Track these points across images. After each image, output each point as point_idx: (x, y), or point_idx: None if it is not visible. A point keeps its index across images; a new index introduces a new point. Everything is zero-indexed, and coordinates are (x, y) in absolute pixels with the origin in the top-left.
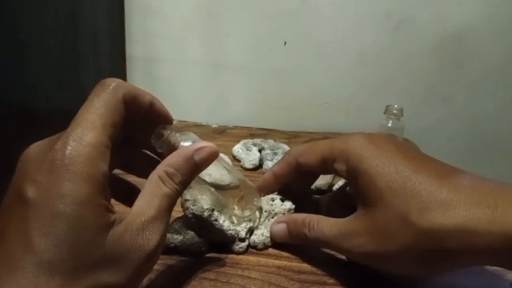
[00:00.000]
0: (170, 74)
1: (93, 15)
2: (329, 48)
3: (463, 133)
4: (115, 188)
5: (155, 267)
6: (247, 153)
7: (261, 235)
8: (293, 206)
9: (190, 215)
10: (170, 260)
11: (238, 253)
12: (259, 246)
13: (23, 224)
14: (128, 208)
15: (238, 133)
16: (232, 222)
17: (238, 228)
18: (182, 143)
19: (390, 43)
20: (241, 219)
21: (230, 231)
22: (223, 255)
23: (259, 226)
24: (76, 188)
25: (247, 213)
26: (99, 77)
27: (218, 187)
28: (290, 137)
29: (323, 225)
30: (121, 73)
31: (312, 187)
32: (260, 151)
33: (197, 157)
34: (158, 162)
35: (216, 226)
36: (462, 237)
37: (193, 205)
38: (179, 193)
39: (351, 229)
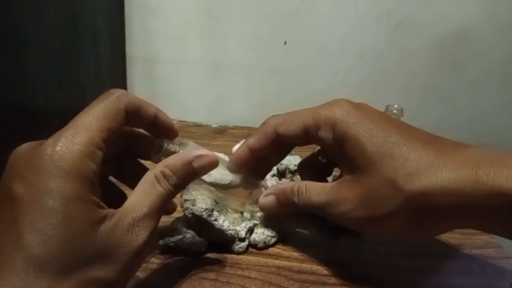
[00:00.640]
0: (170, 74)
1: (93, 15)
2: (329, 48)
3: (463, 133)
4: (105, 193)
5: (155, 267)
6: None
7: (261, 233)
8: None
9: (189, 215)
10: (170, 260)
11: (238, 253)
12: (260, 245)
13: (13, 221)
14: None
15: (238, 133)
16: (240, 217)
17: (238, 228)
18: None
19: (390, 43)
20: (254, 212)
21: (230, 231)
22: (223, 255)
23: (260, 225)
24: (65, 184)
25: (253, 212)
26: (99, 77)
27: (218, 186)
28: None
29: (310, 191)
30: (121, 73)
31: None
32: None
33: (196, 164)
34: None
35: (216, 226)
36: (446, 198)
37: (192, 205)
38: (173, 194)
39: (339, 195)
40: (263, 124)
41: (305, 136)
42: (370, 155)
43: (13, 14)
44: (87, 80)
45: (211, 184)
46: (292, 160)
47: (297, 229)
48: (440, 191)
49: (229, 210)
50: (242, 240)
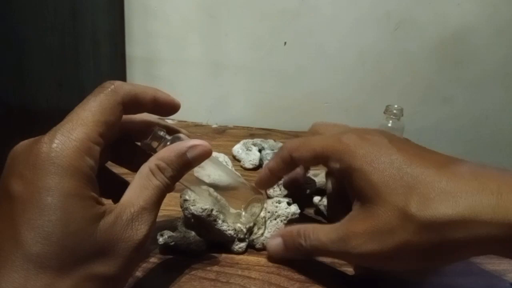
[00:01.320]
0: (170, 74)
1: (93, 15)
2: (329, 48)
3: (463, 133)
4: (104, 186)
5: (155, 267)
6: (247, 153)
7: (260, 234)
8: (298, 211)
9: (189, 215)
10: (170, 260)
11: (238, 253)
12: (258, 246)
13: (11, 219)
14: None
15: (238, 133)
16: (238, 222)
17: (238, 228)
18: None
19: (390, 43)
20: (251, 218)
21: (229, 231)
22: (223, 255)
23: (260, 226)
24: (63, 181)
25: (254, 215)
26: (99, 77)
27: (217, 187)
28: (290, 137)
29: (319, 232)
30: (121, 73)
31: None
32: (260, 151)
33: (189, 154)
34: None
35: (216, 226)
36: (465, 227)
37: (192, 205)
38: (169, 187)
39: (349, 230)
40: (280, 148)
41: (317, 162)
42: (378, 185)
43: (13, 14)
44: (87, 80)
45: (210, 185)
46: None
47: None
48: (458, 218)
49: (229, 210)
50: (241, 240)
